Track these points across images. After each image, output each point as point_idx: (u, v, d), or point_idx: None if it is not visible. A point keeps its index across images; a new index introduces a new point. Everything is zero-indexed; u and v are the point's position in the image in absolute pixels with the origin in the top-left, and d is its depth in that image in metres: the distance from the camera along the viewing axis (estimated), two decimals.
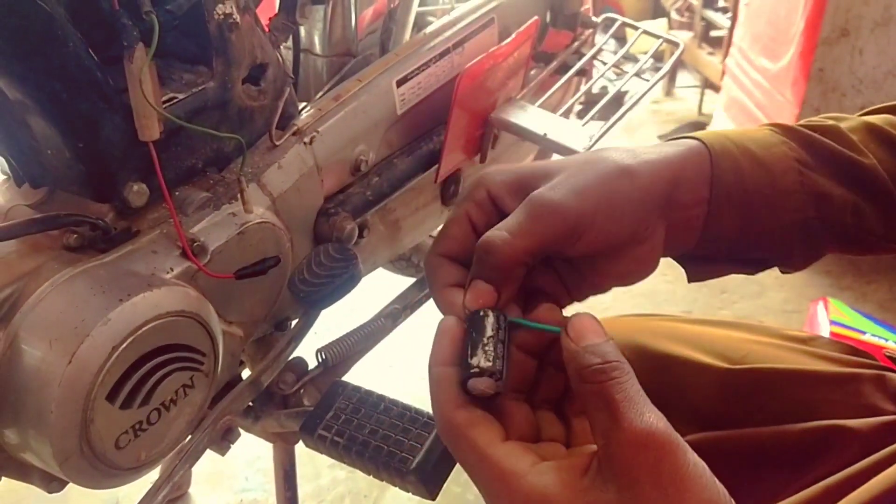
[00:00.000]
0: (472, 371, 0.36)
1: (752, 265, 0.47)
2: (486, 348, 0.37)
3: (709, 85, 2.45)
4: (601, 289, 0.44)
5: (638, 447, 0.32)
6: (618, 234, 0.41)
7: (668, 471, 0.31)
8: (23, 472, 0.60)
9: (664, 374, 0.57)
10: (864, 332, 1.33)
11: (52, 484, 0.62)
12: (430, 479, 0.68)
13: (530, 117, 0.96)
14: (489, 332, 0.37)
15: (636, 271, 0.43)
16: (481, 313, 0.38)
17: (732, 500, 0.32)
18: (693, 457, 0.32)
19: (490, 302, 0.39)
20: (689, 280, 0.47)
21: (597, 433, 0.33)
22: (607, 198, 0.40)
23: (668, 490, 0.31)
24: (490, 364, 0.36)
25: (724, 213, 0.43)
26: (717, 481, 0.32)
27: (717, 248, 0.45)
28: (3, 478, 0.61)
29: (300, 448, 0.88)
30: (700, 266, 0.47)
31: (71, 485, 0.61)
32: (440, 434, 0.37)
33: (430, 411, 0.73)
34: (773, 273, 0.47)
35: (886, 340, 1.31)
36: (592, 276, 0.43)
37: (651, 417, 0.32)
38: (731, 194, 0.43)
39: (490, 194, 0.42)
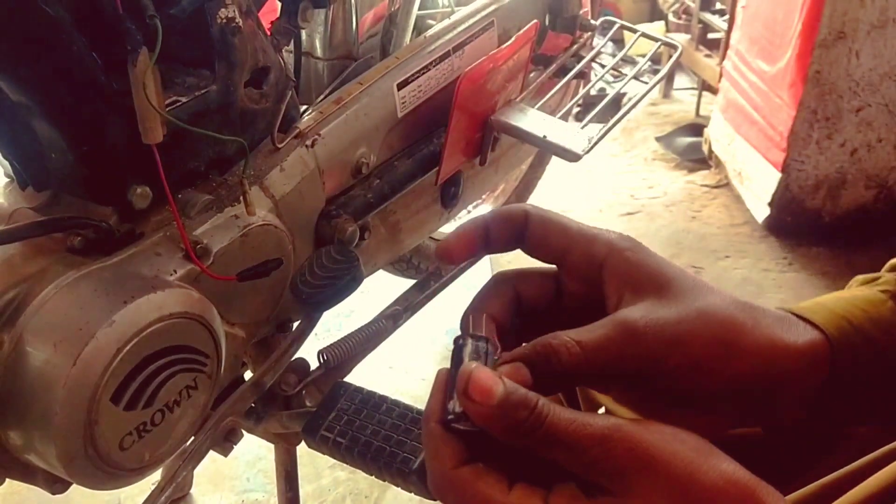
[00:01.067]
0: (448, 417, 0.35)
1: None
2: None
3: (706, 87, 2.45)
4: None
5: (612, 449, 0.32)
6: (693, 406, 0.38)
7: (645, 455, 0.31)
8: (27, 473, 0.61)
9: None
10: None
11: (56, 485, 0.62)
12: None
13: (530, 120, 0.97)
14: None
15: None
16: (460, 342, 0.36)
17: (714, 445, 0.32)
18: (656, 426, 0.32)
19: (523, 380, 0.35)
20: None
21: (570, 465, 0.33)
22: (707, 368, 0.37)
23: (655, 468, 0.31)
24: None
25: (828, 410, 0.41)
26: (690, 436, 0.32)
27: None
28: (7, 479, 0.61)
29: (301, 449, 0.88)
30: None
31: (74, 486, 0.61)
32: (436, 489, 0.36)
33: None
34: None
35: None
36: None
37: (596, 418, 0.32)
38: (843, 397, 0.40)
39: (606, 266, 0.39)
